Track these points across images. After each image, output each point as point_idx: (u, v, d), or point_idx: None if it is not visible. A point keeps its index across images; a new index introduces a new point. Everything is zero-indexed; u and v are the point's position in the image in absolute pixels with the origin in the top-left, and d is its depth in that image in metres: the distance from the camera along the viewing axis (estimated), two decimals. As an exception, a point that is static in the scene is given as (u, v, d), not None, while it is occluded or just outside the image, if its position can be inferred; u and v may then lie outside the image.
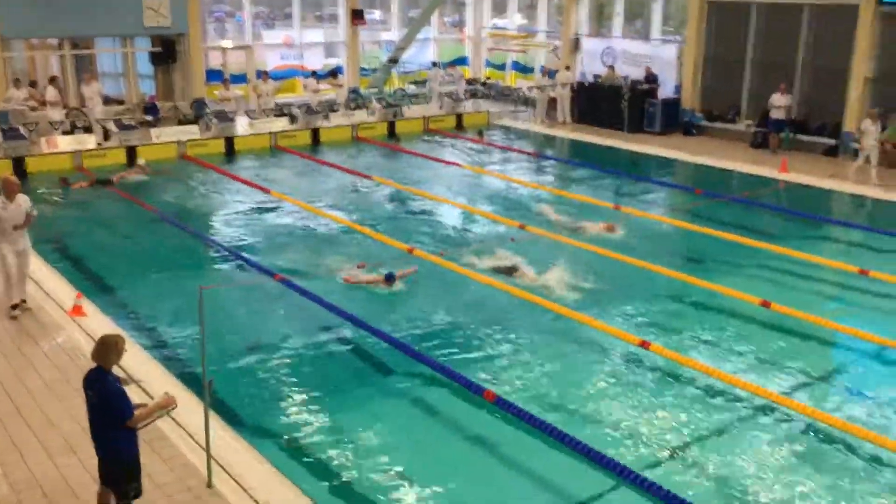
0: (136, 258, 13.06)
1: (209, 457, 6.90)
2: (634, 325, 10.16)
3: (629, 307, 10.73)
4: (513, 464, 7.51)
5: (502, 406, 8.18)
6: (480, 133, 23.29)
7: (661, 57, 23.97)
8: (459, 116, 24.66)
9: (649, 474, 7.05)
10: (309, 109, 22.80)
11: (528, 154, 21.17)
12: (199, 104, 23.10)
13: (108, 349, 5.92)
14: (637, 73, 23.81)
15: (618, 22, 25.88)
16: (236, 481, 6.97)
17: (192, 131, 20.88)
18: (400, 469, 7.31)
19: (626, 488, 6.98)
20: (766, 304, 10.65)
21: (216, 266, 12.87)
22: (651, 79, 23.42)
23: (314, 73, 24.65)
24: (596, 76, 25.06)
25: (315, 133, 22.22)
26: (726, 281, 11.48)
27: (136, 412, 5.92)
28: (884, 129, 17.83)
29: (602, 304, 10.78)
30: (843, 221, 15.57)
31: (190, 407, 7.59)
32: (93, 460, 6.18)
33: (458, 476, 7.27)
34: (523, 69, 29.13)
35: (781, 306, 10.53)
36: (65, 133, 19.94)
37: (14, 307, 10.38)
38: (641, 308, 10.80)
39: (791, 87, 20.46)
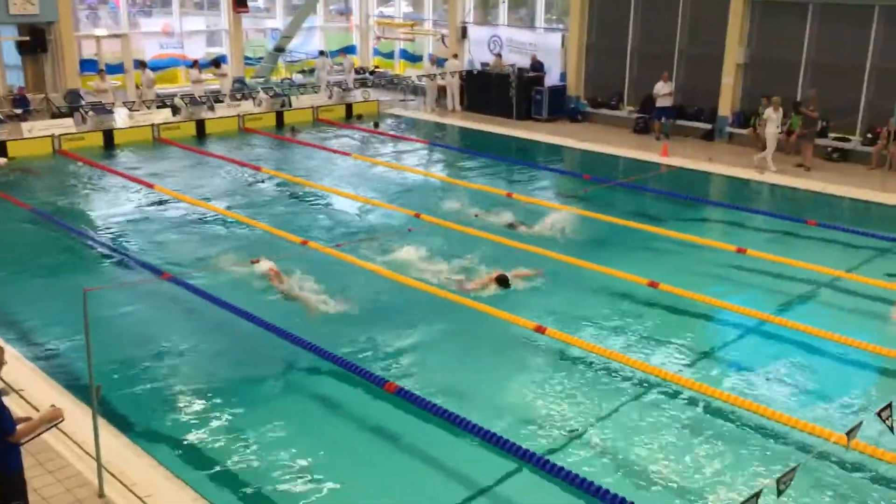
0: (11, 260, 12.34)
1: (100, 466, 6.61)
2: (530, 310, 10.33)
3: (524, 293, 10.89)
4: (417, 454, 7.52)
5: (404, 397, 8.18)
6: (376, 124, 23.16)
7: (546, 45, 24.43)
8: (349, 106, 24.43)
9: (550, 456, 7.21)
10: (193, 100, 22.08)
11: (420, 143, 21.20)
12: (73, 96, 22.01)
13: (-15, 361, 5.56)
14: (523, 62, 24.19)
15: (503, 10, 26.20)
16: (130, 490, 6.70)
17: (66, 124, 19.87)
18: (302, 465, 7.20)
19: (527, 471, 7.11)
20: (653, 285, 11.06)
21: (100, 266, 12.31)
22: (537, 67, 23.84)
23: (196, 63, 23.88)
24: (483, 64, 25.30)
25: (200, 124, 21.56)
26: (616, 263, 11.83)
27: (20, 427, 5.58)
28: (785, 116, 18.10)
29: (496, 291, 10.89)
30: (721, 203, 16.31)
31: (77, 415, 7.25)
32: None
33: (362, 469, 7.22)
34: (411, 58, 29.13)
35: (668, 286, 10.96)
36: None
37: None
38: (536, 293, 11.00)
39: (671, 75, 21.23)
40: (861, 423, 5.58)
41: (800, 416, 7.87)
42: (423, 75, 25.91)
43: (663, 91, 20.64)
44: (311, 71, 27.73)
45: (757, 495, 4.60)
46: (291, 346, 9.28)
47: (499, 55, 24.92)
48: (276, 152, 20.23)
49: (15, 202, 14.98)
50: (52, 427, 5.90)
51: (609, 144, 20.24)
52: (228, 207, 15.02)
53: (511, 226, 13.63)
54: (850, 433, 5.45)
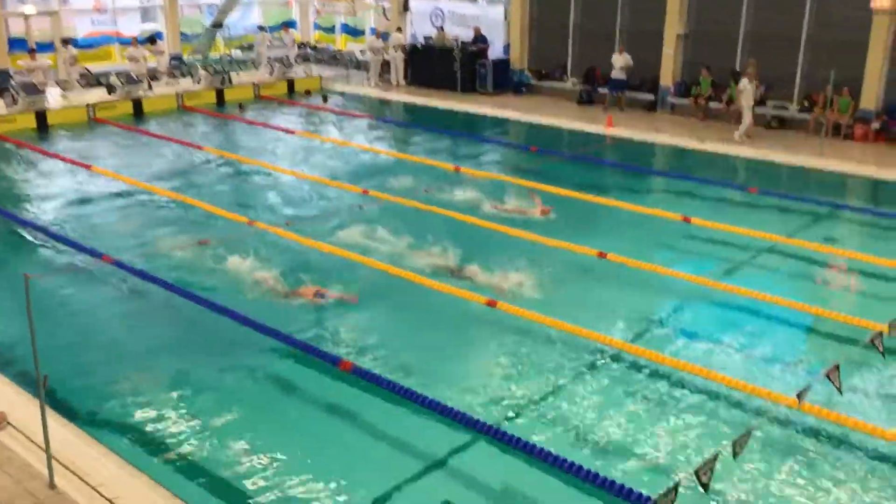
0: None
1: (49, 456, 6.43)
2: (480, 284, 10.34)
3: (475, 266, 10.90)
4: (373, 430, 7.49)
5: (359, 374, 8.14)
6: (325, 98, 22.86)
7: (489, 17, 24.34)
8: (291, 82, 24.04)
9: (503, 426, 7.26)
10: (129, 79, 21.45)
11: (365, 118, 20.99)
12: (2, 76, 21.19)
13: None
14: (466, 35, 24.06)
15: (445, -17, 25.98)
16: (82, 479, 6.54)
17: (-4, 106, 19.18)
18: (257, 446, 7.12)
19: (483, 442, 7.15)
20: (602, 255, 11.18)
21: (37, 252, 11.92)
22: (480, 39, 23.74)
23: (135, 40, 23.16)
24: (426, 38, 25.11)
25: (137, 103, 20.97)
26: (564, 235, 11.91)
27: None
28: (736, 83, 18.17)
29: (449, 267, 10.88)
30: (666, 172, 16.53)
31: (24, 405, 7.05)
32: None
33: (319, 448, 7.18)
34: (353, 32, 28.76)
35: (616, 255, 11.09)
36: None
37: None
38: (487, 267, 11.00)
39: (614, 46, 21.32)
40: (810, 385, 5.73)
41: (749, 380, 8.05)
42: (367, 49, 25.60)
43: (618, 63, 20.72)
44: (251, 47, 27.19)
45: (714, 458, 4.69)
46: (241, 327, 9.14)
47: (441, 28, 24.74)
48: (218, 130, 19.83)
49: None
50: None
51: (554, 116, 20.31)
52: (170, 188, 14.67)
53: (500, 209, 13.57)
54: (801, 395, 5.60)
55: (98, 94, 20.84)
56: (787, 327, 9.53)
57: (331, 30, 29.37)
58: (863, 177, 15.52)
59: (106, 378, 8.28)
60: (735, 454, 4.97)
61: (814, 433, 7.31)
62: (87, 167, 15.84)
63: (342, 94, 23.98)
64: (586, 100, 21.80)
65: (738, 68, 19.18)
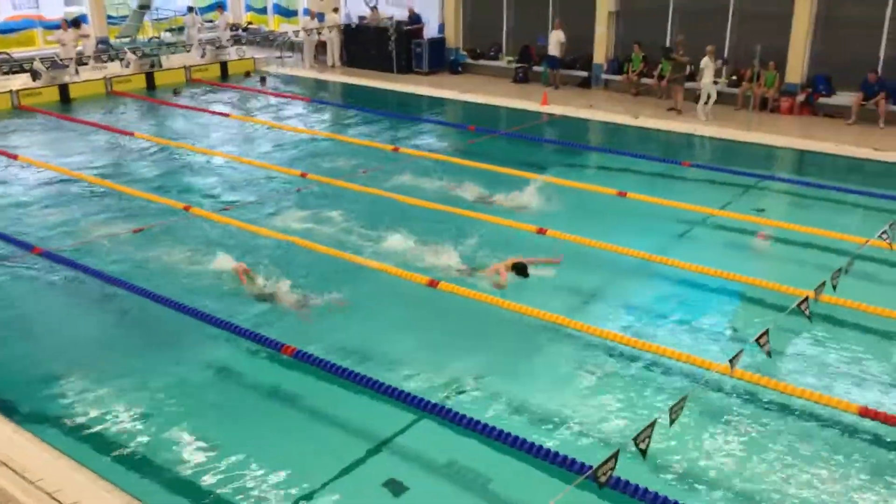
0: None
1: (-15, 454, 6.30)
2: (423, 266, 10.37)
3: (417, 248, 10.92)
4: (317, 414, 7.50)
5: (301, 359, 8.12)
6: (262, 80, 22.51)
7: (423, -3, 24.24)
8: (224, 65, 23.59)
9: (446, 403, 7.34)
10: (54, 64, 20.79)
11: (302, 100, 20.75)
12: (-84, 63, 20.35)
13: None
14: (401, 14, 23.93)
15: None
16: (19, 475, 6.41)
17: (-88, 94, 18.43)
18: (202, 435, 7.06)
19: (427, 420, 7.22)
20: (541, 231, 11.33)
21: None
22: (415, 19, 23.65)
23: (65, 23, 22.36)
24: (361, 17, 24.89)
25: (63, 89, 20.35)
26: (503, 212, 12.00)
27: None
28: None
29: (392, 247, 10.88)
30: (601, 148, 16.76)
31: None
32: None
33: (263, 434, 7.15)
34: (286, 12, 28.34)
35: (555, 231, 11.25)
36: None
37: None
38: (429, 247, 11.03)
39: (549, 24, 21.45)
40: (742, 350, 5.93)
41: (684, 349, 8.28)
42: (301, 30, 25.26)
43: (554, 39, 20.82)
44: (181, 29, 26.57)
45: (652, 425, 4.85)
46: (181, 316, 9.02)
47: (374, 8, 24.54)
48: (151, 116, 19.38)
49: None
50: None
51: (491, 95, 20.39)
52: (101, 175, 14.32)
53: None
54: (732, 361, 5.80)
55: (22, 80, 20.15)
56: (720, 296, 9.80)
57: (263, 10, 28.88)
58: (789, 148, 15.99)
59: (42, 372, 8.09)
60: (672, 420, 5.14)
61: (747, 397, 7.57)
62: (13, 157, 15.34)
63: (277, 76, 23.64)
64: (522, 78, 21.93)
65: (668, 44, 19.50)
